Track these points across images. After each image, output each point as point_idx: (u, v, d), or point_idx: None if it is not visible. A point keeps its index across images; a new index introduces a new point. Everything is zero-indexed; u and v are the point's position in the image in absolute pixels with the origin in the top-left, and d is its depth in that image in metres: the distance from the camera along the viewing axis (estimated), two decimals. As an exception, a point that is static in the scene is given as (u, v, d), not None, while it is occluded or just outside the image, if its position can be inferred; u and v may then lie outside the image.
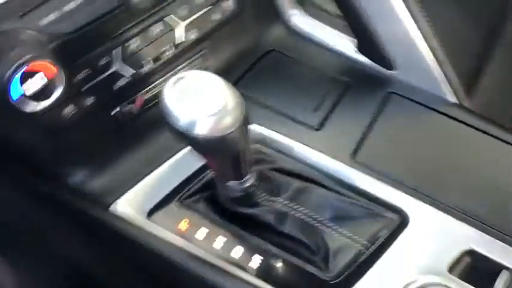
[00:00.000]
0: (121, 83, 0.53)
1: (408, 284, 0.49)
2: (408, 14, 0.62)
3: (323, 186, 0.56)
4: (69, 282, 0.68)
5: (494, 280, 0.50)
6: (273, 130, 0.60)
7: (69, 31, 0.47)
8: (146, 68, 0.55)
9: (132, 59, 0.53)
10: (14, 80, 0.45)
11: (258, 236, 0.54)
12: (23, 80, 0.45)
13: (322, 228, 0.53)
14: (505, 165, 0.59)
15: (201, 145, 0.46)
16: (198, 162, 0.56)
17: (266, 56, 0.68)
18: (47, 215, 0.58)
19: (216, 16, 0.60)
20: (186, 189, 0.56)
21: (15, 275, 0.65)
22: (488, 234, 0.52)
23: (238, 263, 0.52)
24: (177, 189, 0.56)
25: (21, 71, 0.44)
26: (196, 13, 0.58)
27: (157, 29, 0.54)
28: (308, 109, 0.63)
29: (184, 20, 0.57)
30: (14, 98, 0.45)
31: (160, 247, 0.53)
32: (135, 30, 0.52)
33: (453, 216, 0.54)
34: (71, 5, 0.46)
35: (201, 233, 0.53)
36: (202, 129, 0.43)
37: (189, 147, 0.54)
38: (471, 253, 0.51)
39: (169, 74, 0.58)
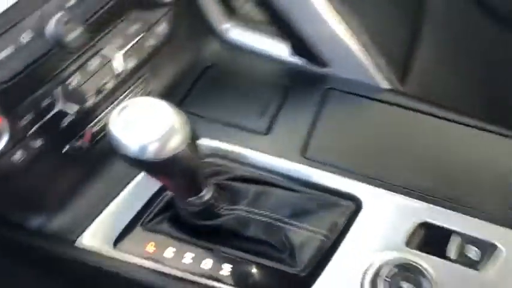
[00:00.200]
0: (67, 120, 0.53)
1: (371, 264, 0.51)
2: (334, 13, 0.65)
3: (279, 186, 0.59)
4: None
5: (446, 245, 0.53)
6: (223, 141, 0.62)
7: (6, 79, 0.47)
8: (90, 102, 0.56)
9: (74, 96, 0.54)
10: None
11: (225, 245, 0.56)
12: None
13: (284, 226, 0.56)
14: (442, 139, 0.63)
15: (154, 168, 0.47)
16: (155, 185, 0.57)
17: (207, 72, 0.70)
18: (9, 261, 0.58)
19: (151, 42, 0.61)
20: (147, 213, 0.57)
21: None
22: (436, 205, 0.56)
23: (209, 275, 0.53)
24: (138, 215, 0.57)
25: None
26: (131, 41, 0.59)
27: (95, 62, 0.55)
28: (254, 116, 0.65)
29: (120, 50, 0.58)
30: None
31: (131, 272, 0.54)
32: (74, 67, 0.53)
33: (402, 194, 0.57)
34: (3, 54, 0.46)
35: (169, 252, 0.55)
36: (151, 153, 0.45)
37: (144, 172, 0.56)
38: (424, 225, 0.55)
39: (114, 103, 0.59)
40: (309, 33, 0.66)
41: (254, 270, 0.54)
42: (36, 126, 0.51)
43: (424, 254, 0.53)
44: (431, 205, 0.56)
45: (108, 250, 0.55)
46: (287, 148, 0.62)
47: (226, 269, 0.54)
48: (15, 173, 0.51)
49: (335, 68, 0.69)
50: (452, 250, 0.53)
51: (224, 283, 0.53)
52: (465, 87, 1.02)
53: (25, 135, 0.50)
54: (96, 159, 0.59)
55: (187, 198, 0.53)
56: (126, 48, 0.59)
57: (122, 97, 0.60)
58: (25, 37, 0.48)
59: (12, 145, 0.49)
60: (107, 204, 0.57)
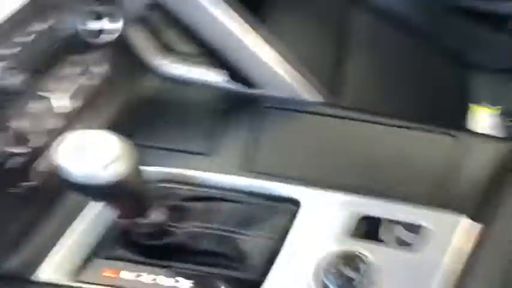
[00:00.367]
0: (14, 161, 0.56)
1: (315, 257, 0.56)
2: (261, 41, 0.71)
3: (225, 200, 0.63)
4: None
5: (382, 232, 0.59)
6: (171, 167, 0.66)
7: None
8: (35, 143, 0.59)
9: (18, 139, 0.56)
10: None
11: (181, 262, 0.59)
12: None
13: (234, 236, 0.60)
14: (374, 141, 0.69)
15: (102, 194, 0.50)
16: (108, 214, 0.60)
17: (148, 105, 0.74)
18: None
19: (91, 81, 0.66)
20: (102, 240, 0.60)
21: None
22: (370, 198, 0.61)
23: (168, 291, 0.56)
24: (94, 244, 0.60)
25: None
26: (70, 83, 0.63)
27: (36, 105, 0.58)
28: (197, 140, 0.69)
29: (60, 93, 0.62)
30: None
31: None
32: (14, 111, 0.56)
33: (339, 192, 0.62)
34: None
35: (125, 275, 0.57)
36: (98, 178, 0.48)
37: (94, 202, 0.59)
38: (360, 216, 0.60)
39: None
40: (240, 61, 0.72)
41: (212, 282, 0.58)
42: None
43: (362, 242, 0.57)
44: (366, 198, 0.61)
45: (66, 282, 0.57)
46: (230, 165, 0.66)
47: (184, 283, 0.57)
48: None
49: (270, 89, 0.74)
50: (387, 235, 0.58)
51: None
52: (393, 97, 1.11)
53: None
54: (46, 197, 0.61)
55: (138, 221, 0.56)
56: (68, 90, 0.63)
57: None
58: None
59: None
60: (61, 238, 0.59)
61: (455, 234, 0.58)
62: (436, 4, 1.23)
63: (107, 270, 0.58)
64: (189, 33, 0.72)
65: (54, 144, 0.56)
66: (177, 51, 0.76)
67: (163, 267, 0.58)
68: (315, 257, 0.56)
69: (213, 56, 0.73)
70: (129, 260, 0.59)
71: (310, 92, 0.75)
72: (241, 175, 0.65)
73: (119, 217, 0.57)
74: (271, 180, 0.64)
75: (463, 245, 0.57)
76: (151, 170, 0.64)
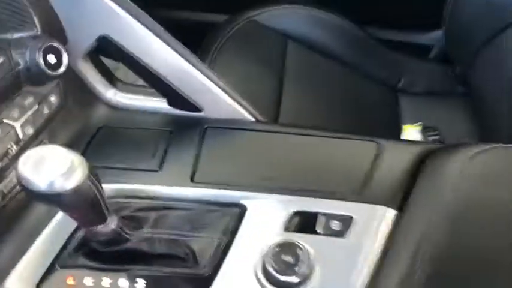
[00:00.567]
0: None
1: (259, 250, 0.63)
2: (199, 70, 0.80)
3: (175, 208, 0.70)
4: None
5: (316, 224, 0.67)
6: (123, 184, 0.72)
7: None
8: (-3, 166, 0.64)
9: None
10: None
11: (137, 265, 0.64)
12: None
13: (185, 239, 0.66)
14: (307, 150, 0.78)
15: (63, 201, 0.56)
16: (69, 226, 0.65)
17: (99, 132, 0.80)
18: None
19: (46, 110, 0.72)
20: (63, 250, 0.65)
21: None
22: (304, 196, 0.70)
23: (127, 292, 0.62)
24: (57, 256, 0.64)
25: None
26: (27, 112, 0.69)
27: None
28: (146, 158, 0.76)
29: (18, 120, 0.68)
30: None
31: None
32: None
33: (278, 194, 0.70)
34: None
35: (87, 281, 0.62)
36: (59, 185, 0.54)
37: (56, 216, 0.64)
38: (296, 213, 0.68)
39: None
40: (182, 90, 0.80)
41: (166, 280, 0.63)
42: None
43: (299, 234, 0.66)
44: (301, 197, 0.70)
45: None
46: (178, 178, 0.73)
47: (140, 284, 0.63)
48: None
49: (209, 111, 0.83)
50: (320, 227, 0.67)
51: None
52: (326, 117, 1.22)
53: None
54: (9, 216, 0.66)
55: (95, 228, 0.62)
56: (23, 119, 0.69)
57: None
58: None
59: None
60: (24, 253, 0.64)
61: (377, 222, 0.67)
62: (365, 38, 1.38)
63: (68, 279, 0.63)
64: (135, 65, 0.80)
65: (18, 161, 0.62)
66: (126, 84, 0.84)
67: (121, 271, 0.64)
68: (259, 251, 0.63)
69: (158, 88, 0.81)
70: (90, 267, 0.64)
71: (245, 113, 0.83)
72: (188, 186, 0.72)
73: (79, 226, 0.62)
74: (215, 188, 0.71)
75: (383, 229, 0.66)
76: (106, 187, 0.70)
